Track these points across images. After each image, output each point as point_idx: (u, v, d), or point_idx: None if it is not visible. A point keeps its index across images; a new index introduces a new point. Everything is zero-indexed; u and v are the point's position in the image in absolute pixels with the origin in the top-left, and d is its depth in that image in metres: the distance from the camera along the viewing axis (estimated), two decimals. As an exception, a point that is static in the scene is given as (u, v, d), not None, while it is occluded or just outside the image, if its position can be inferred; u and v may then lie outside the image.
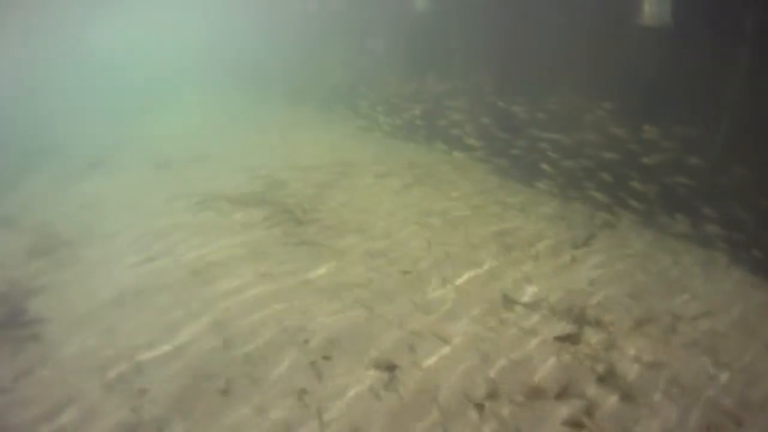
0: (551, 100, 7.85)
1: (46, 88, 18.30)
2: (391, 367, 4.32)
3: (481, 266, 5.84)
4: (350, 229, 6.67)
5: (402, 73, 10.45)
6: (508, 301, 5.23)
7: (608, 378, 4.22)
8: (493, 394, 4.06)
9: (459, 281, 5.57)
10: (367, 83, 11.34)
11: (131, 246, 6.50)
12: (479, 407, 3.96)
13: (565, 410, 3.93)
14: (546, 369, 4.36)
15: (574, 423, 3.83)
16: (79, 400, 4.17)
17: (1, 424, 3.99)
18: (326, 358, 4.49)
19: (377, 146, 10.26)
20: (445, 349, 4.57)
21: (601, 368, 4.34)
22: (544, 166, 7.83)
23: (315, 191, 7.87)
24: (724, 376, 4.34)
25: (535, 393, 4.08)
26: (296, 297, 5.30)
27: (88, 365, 4.55)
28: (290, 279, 5.62)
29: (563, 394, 4.06)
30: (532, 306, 5.17)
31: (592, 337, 4.74)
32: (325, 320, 4.96)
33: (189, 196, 7.91)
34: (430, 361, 4.43)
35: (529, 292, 5.40)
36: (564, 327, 4.87)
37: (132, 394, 4.20)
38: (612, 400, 4.06)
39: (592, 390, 4.12)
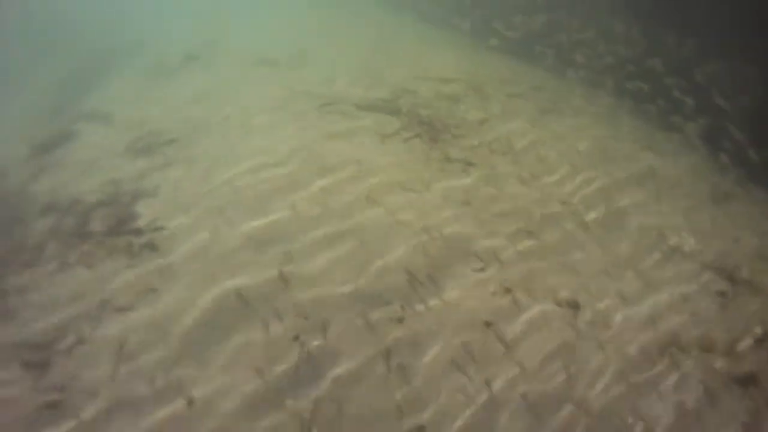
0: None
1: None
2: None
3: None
4: (495, 149, 6.41)
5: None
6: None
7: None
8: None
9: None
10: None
11: (246, 148, 5.98)
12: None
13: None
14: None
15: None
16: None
17: (126, 347, 4.17)
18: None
19: (504, 66, 9.65)
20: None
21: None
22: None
23: (448, 105, 7.47)
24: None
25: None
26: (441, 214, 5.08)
27: (209, 273, 4.63)
28: (438, 197, 5.27)
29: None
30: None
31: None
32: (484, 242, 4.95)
33: (308, 96, 7.50)
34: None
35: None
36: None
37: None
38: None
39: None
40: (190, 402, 3.87)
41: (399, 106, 7.27)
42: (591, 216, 5.70)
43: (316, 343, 4.20)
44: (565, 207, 5.75)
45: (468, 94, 7.91)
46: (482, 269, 4.84)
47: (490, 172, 6.04)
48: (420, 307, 4.48)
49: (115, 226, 5.22)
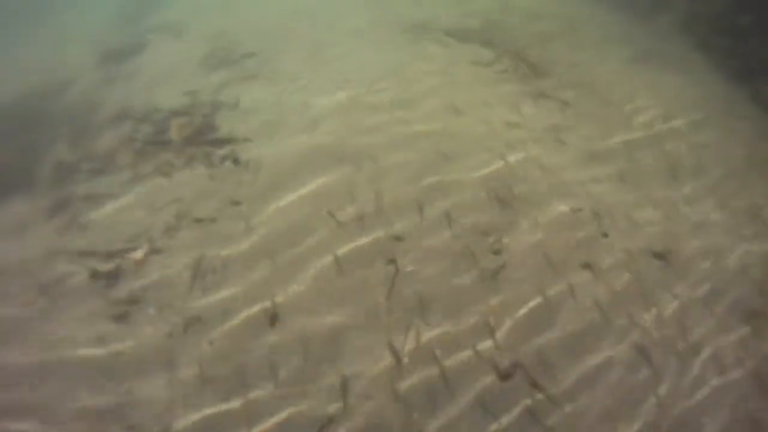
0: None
1: None
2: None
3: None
4: (597, 91, 5.88)
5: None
6: None
7: None
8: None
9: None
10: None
11: (332, 68, 5.82)
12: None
13: None
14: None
15: None
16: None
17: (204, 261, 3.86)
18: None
19: (597, 8, 8.42)
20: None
21: None
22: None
23: (540, 41, 6.95)
24: None
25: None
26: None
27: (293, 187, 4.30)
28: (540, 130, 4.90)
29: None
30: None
31: None
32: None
33: (398, 19, 7.06)
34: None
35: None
36: None
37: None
38: None
39: None
40: (273, 318, 3.44)
41: (491, 38, 6.65)
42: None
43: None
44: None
45: (562, 32, 7.19)
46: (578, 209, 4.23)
47: (584, 112, 5.36)
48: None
49: (193, 136, 4.83)
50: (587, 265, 3.88)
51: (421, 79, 5.52)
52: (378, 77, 5.56)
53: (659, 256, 4.06)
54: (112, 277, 3.79)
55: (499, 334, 3.42)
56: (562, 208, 4.25)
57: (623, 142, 5.09)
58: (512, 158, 4.59)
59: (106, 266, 3.85)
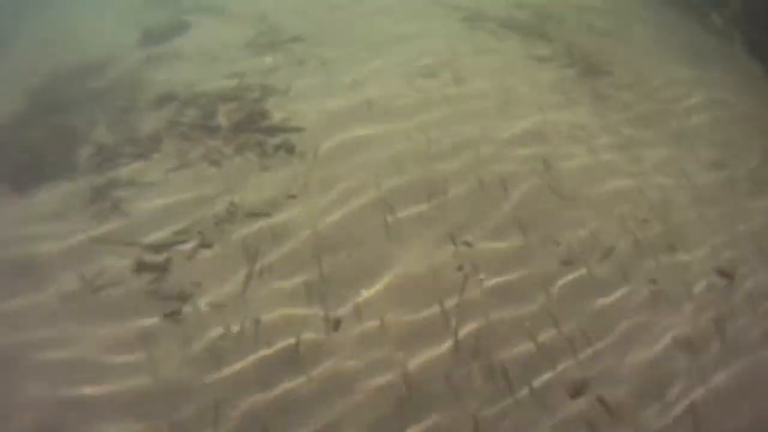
0: None
1: None
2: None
3: None
4: (651, 96, 5.54)
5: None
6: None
7: None
8: None
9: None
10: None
11: (386, 56, 5.60)
12: None
13: None
14: None
15: None
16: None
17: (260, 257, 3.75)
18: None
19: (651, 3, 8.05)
20: None
21: None
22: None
23: (595, 37, 6.65)
24: None
25: None
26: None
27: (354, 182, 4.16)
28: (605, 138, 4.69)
29: None
30: None
31: None
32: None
33: (451, 7, 6.79)
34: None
35: None
36: None
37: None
38: None
39: None
40: (336, 323, 3.24)
41: (547, 31, 6.38)
42: None
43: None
44: None
45: (615, 27, 6.91)
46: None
47: (640, 116, 5.09)
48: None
49: (243, 123, 4.64)
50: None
51: (481, 73, 5.29)
52: (434, 67, 5.34)
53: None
54: (160, 271, 3.61)
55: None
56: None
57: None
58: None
59: (152, 258, 3.67)
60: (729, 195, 4.27)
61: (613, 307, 3.37)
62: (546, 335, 3.19)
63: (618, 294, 3.44)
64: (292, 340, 3.17)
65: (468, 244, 3.66)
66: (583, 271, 3.55)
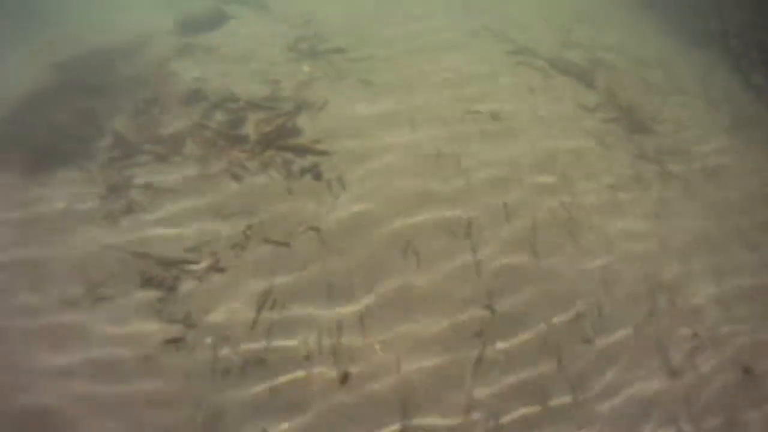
0: None
1: None
2: None
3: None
4: (700, 166, 5.29)
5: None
6: None
7: None
8: None
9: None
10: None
11: (429, 83, 5.50)
12: None
13: None
14: None
15: None
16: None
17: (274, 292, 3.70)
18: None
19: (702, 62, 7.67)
20: None
21: None
22: None
23: (644, 91, 6.32)
24: None
25: None
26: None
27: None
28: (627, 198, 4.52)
29: None
30: None
31: None
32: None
33: (498, 38, 6.57)
34: None
35: None
36: None
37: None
38: None
39: None
40: (345, 377, 3.16)
41: (594, 78, 6.21)
42: None
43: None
44: None
45: (666, 85, 6.69)
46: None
47: (686, 187, 4.93)
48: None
49: (272, 137, 4.53)
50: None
51: (523, 114, 5.16)
52: (477, 102, 5.21)
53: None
54: (167, 289, 3.53)
55: None
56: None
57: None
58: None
59: (161, 274, 3.59)
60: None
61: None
62: None
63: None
64: (298, 384, 3.07)
65: (490, 308, 3.56)
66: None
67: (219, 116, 4.65)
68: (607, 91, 5.83)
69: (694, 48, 7.47)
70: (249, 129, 4.52)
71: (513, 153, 4.63)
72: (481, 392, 3.16)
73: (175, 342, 3.24)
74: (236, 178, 4.11)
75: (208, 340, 3.27)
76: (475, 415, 3.07)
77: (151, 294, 3.47)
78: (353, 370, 3.17)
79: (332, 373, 3.15)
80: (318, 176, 4.11)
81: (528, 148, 4.70)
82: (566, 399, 3.19)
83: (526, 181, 4.39)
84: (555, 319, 3.55)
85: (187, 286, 3.51)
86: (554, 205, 4.22)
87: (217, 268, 3.57)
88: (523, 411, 3.11)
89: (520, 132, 4.88)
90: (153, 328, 3.31)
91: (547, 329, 3.48)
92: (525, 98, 5.34)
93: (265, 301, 3.43)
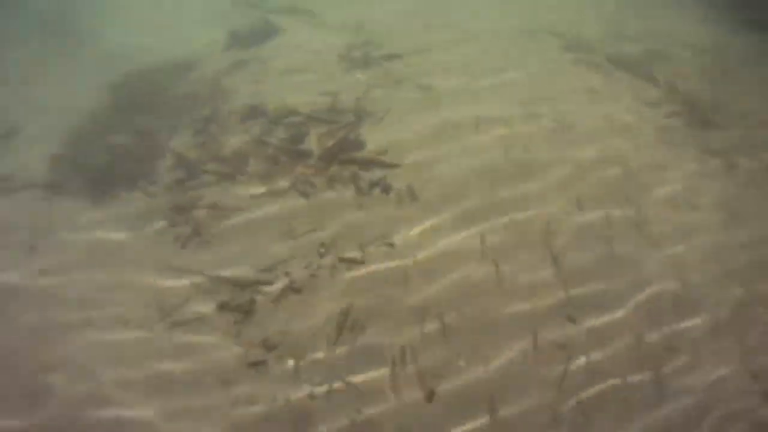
0: None
1: None
2: None
3: None
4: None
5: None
6: None
7: None
8: None
9: None
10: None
11: (485, 84, 5.46)
12: None
13: None
14: None
15: None
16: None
17: (352, 313, 3.64)
18: None
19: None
20: None
21: None
22: None
23: (707, 82, 6.04)
24: None
25: None
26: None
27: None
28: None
29: None
30: None
31: None
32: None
33: (552, 35, 6.39)
34: None
35: None
36: None
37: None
38: None
39: None
40: (431, 395, 3.06)
41: (653, 70, 6.00)
42: None
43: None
44: None
45: (730, 73, 6.43)
46: None
47: (753, 180, 4.70)
48: None
49: (336, 151, 4.48)
50: None
51: (586, 116, 5.01)
52: (538, 104, 5.08)
53: None
54: (244, 312, 3.50)
55: None
56: None
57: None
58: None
59: (236, 298, 3.56)
60: None
61: None
62: None
63: None
64: (384, 404, 3.00)
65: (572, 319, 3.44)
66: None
67: (280, 132, 4.62)
68: (668, 84, 5.64)
69: (745, 35, 7.21)
70: (311, 143, 4.48)
71: (579, 152, 4.48)
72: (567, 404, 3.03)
73: (255, 366, 3.18)
74: (304, 194, 4.07)
75: (290, 362, 3.21)
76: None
77: (228, 317, 3.42)
78: (439, 387, 3.06)
79: (418, 392, 3.04)
80: (387, 189, 4.04)
81: (593, 147, 4.55)
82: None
83: (593, 178, 4.23)
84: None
85: (263, 307, 3.45)
86: (622, 199, 4.06)
87: (293, 288, 3.53)
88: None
89: (583, 132, 4.73)
90: (232, 353, 3.25)
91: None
92: (586, 96, 5.18)
93: (345, 321, 3.35)
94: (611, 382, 3.15)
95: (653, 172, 4.44)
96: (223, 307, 3.48)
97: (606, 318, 3.43)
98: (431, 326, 3.35)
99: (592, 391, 3.12)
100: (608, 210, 4.04)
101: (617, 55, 5.95)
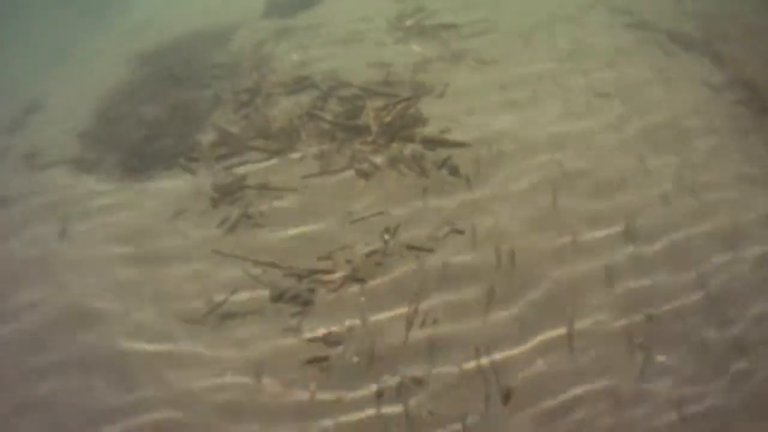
0: None
1: None
2: None
3: None
4: None
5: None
6: None
7: None
8: None
9: None
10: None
11: (545, 59, 5.13)
12: None
13: None
14: None
15: None
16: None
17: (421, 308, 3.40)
18: None
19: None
20: None
21: None
22: None
23: None
24: None
25: None
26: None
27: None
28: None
29: None
30: None
31: None
32: None
33: (615, 10, 6.10)
34: None
35: None
36: None
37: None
38: None
39: None
40: (508, 395, 2.85)
41: (719, 51, 5.63)
42: None
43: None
44: None
45: None
46: None
47: None
48: None
49: (395, 127, 4.22)
50: None
51: (649, 92, 4.68)
52: (602, 83, 4.76)
53: None
54: (301, 304, 3.28)
55: None
56: None
57: None
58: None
59: (293, 287, 3.34)
60: None
61: None
62: None
63: None
64: (457, 414, 2.77)
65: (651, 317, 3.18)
66: None
67: (332, 105, 4.37)
68: (733, 67, 5.28)
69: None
70: (369, 119, 4.22)
71: (639, 137, 4.16)
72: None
73: (318, 362, 2.97)
74: (364, 175, 3.83)
75: (355, 359, 2.99)
76: None
77: (286, 309, 3.21)
78: (515, 385, 2.82)
79: (494, 392, 2.81)
80: (454, 171, 3.79)
81: (655, 131, 4.24)
82: None
83: (650, 164, 3.93)
84: None
85: (323, 298, 3.23)
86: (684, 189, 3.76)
87: (355, 278, 3.29)
88: None
89: (645, 114, 4.40)
90: (292, 348, 3.04)
91: None
92: (649, 77, 4.84)
93: (414, 315, 3.12)
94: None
95: (716, 160, 4.11)
96: (279, 297, 3.25)
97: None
98: (503, 313, 3.08)
99: None
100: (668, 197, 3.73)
101: (680, 35, 5.65)
